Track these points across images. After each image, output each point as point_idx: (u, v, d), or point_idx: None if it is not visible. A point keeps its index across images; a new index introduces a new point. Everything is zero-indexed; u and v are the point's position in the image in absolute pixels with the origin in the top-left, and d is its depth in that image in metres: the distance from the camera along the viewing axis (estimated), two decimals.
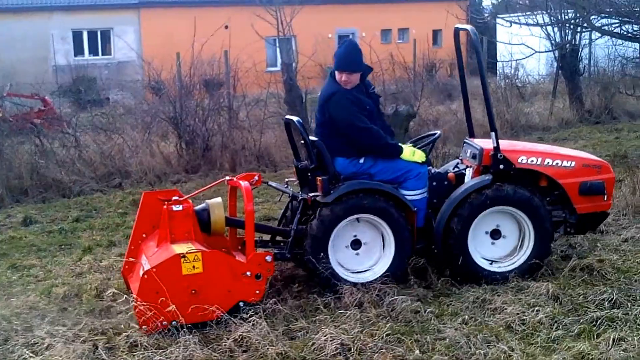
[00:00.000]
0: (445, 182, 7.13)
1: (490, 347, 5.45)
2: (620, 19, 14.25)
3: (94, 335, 5.84)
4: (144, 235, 6.85)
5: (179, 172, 13.59)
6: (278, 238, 7.22)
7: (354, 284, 6.56)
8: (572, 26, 18.30)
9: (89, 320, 6.18)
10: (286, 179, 7.54)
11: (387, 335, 5.65)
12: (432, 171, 7.18)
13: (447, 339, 5.61)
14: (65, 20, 32.99)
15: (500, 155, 6.94)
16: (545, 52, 19.92)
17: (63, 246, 9.14)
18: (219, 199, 6.90)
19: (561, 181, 7.07)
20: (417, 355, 5.37)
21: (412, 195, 6.85)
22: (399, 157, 6.86)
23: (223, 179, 7.21)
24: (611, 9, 14.01)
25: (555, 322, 5.84)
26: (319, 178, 6.65)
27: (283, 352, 5.44)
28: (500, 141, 7.01)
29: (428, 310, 6.15)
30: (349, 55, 6.85)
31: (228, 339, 5.64)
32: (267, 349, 5.47)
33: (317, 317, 6.09)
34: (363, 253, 6.87)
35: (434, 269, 7.03)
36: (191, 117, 14.33)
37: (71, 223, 10.33)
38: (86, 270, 7.84)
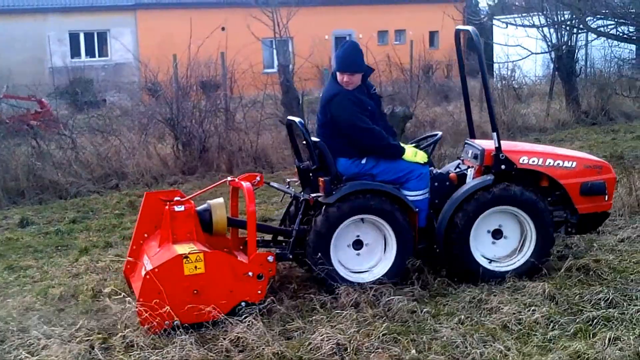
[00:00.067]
0: (447, 183, 7.13)
1: (487, 346, 5.45)
2: (616, 20, 14.27)
3: (90, 335, 5.83)
4: (145, 235, 6.87)
5: (176, 173, 13.58)
6: (280, 238, 7.23)
7: (352, 283, 6.58)
8: (568, 27, 18.32)
9: (85, 320, 6.18)
10: (288, 180, 7.56)
11: (383, 335, 5.66)
12: (434, 172, 7.18)
13: (444, 339, 5.62)
14: (61, 22, 32.98)
15: (502, 156, 6.95)
16: (542, 53, 19.97)
17: (59, 247, 9.14)
18: (220, 200, 6.91)
19: (562, 181, 7.09)
20: (413, 355, 5.37)
21: (414, 195, 6.85)
22: (401, 157, 6.87)
23: (225, 180, 7.21)
24: (607, 11, 14.04)
25: (552, 321, 5.85)
26: (321, 179, 6.67)
27: (279, 352, 5.44)
28: (501, 142, 7.03)
29: (424, 310, 6.16)
30: (350, 56, 6.85)
31: (224, 339, 5.64)
32: (264, 349, 5.47)
33: (314, 317, 6.10)
34: (364, 254, 6.88)
35: (431, 269, 7.04)
36: (188, 118, 14.32)
37: (68, 224, 10.33)
38: (82, 271, 7.84)
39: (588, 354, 5.22)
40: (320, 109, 7.00)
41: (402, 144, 6.98)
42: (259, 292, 6.22)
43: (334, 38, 36.23)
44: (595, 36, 17.92)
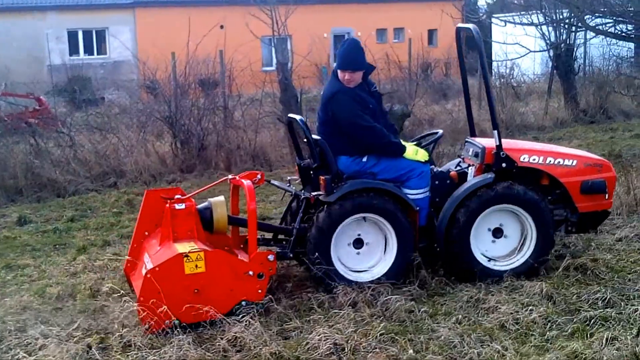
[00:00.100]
0: (448, 181, 7.13)
1: (484, 346, 5.45)
2: (614, 18, 14.28)
3: (87, 335, 5.83)
4: (146, 233, 6.88)
5: (174, 171, 13.57)
6: (280, 237, 7.23)
7: (351, 282, 6.58)
8: (566, 26, 18.34)
9: (82, 320, 6.16)
10: (288, 177, 7.58)
11: (380, 334, 5.66)
12: (435, 170, 7.18)
13: (441, 339, 5.61)
14: (60, 20, 32.97)
15: (503, 154, 6.95)
16: (540, 51, 19.98)
17: (57, 246, 9.13)
18: (221, 198, 6.91)
19: (563, 180, 7.10)
20: (410, 354, 5.37)
21: (415, 194, 6.85)
22: (402, 155, 6.86)
23: (226, 178, 7.21)
24: (605, 9, 14.05)
25: (549, 321, 5.85)
26: (322, 177, 6.66)
27: (277, 352, 5.44)
28: (502, 140, 7.03)
29: (422, 309, 6.16)
30: (352, 53, 6.85)
31: (222, 339, 5.64)
32: (261, 348, 5.46)
33: (311, 317, 6.09)
34: (364, 253, 6.88)
35: (429, 268, 7.03)
36: (186, 116, 14.32)
37: (66, 223, 10.32)
38: (80, 270, 7.82)
39: (585, 354, 5.22)
40: (321, 106, 6.99)
41: (403, 142, 6.97)
42: (260, 291, 6.21)
43: (332, 36, 36.23)
44: (593, 34, 17.95)
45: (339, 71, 6.83)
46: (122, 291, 6.54)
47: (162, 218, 6.62)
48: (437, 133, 7.43)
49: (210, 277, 5.99)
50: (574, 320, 5.87)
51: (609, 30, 15.18)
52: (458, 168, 7.40)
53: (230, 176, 7.14)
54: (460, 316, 6.03)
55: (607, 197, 7.25)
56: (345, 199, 6.58)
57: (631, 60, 22.80)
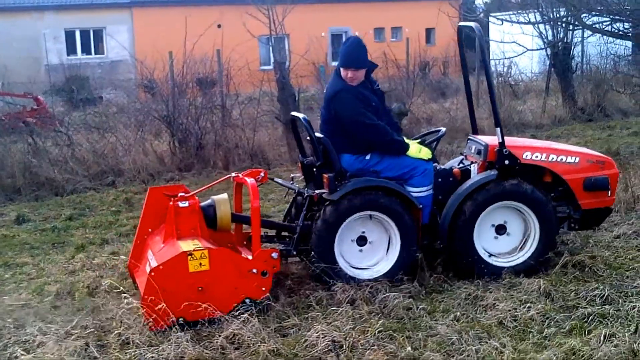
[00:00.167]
0: (451, 179, 7.13)
1: (482, 343, 5.45)
2: (611, 17, 14.29)
3: (85, 333, 5.82)
4: (149, 230, 6.89)
5: (172, 170, 13.57)
6: (281, 234, 7.23)
7: (351, 278, 6.60)
8: (563, 24, 18.35)
9: (81, 318, 6.16)
10: (291, 175, 7.59)
11: (379, 332, 5.66)
12: (438, 168, 7.19)
13: (439, 336, 5.62)
14: (57, 20, 32.94)
15: (506, 151, 6.95)
16: (538, 50, 19.97)
17: (56, 244, 9.13)
18: (224, 195, 6.92)
19: (565, 177, 7.11)
20: (408, 352, 5.37)
21: (418, 192, 6.85)
22: (405, 153, 6.86)
23: (229, 176, 7.22)
24: (602, 7, 14.06)
25: (547, 318, 5.86)
26: (325, 175, 6.66)
27: (275, 349, 5.44)
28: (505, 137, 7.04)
29: (420, 307, 6.16)
30: (354, 52, 6.84)
31: (220, 336, 5.63)
32: (259, 346, 5.47)
33: (309, 314, 6.10)
34: (366, 251, 6.88)
35: (427, 265, 7.03)
36: (184, 115, 14.31)
37: (64, 221, 10.32)
38: (79, 268, 7.82)
39: (583, 351, 5.22)
40: (324, 105, 6.99)
41: (406, 140, 6.97)
42: (263, 289, 6.21)
43: (330, 35, 36.22)
44: (591, 32, 17.96)
45: (341, 69, 6.83)
46: (121, 288, 6.54)
47: (165, 215, 6.64)
48: (440, 131, 7.42)
49: (214, 275, 5.99)
50: (572, 317, 5.87)
51: (605, 29, 15.19)
52: (461, 165, 7.39)
53: (233, 174, 7.14)
54: (458, 313, 6.03)
55: (609, 194, 7.26)
56: (355, 195, 6.58)
57: (628, 58, 22.82)
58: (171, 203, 6.55)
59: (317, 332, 5.60)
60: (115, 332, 5.76)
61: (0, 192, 11.96)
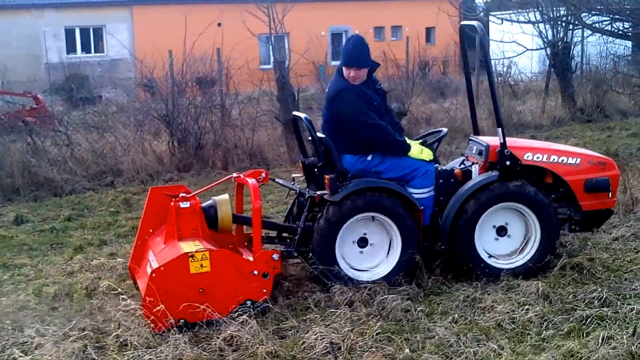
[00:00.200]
0: (452, 180, 7.12)
1: (480, 345, 5.46)
2: (610, 16, 14.29)
3: (83, 334, 5.82)
4: (150, 231, 6.89)
5: (172, 170, 13.55)
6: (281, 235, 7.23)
7: (350, 279, 6.59)
8: (563, 24, 18.34)
9: (79, 319, 6.16)
10: (293, 175, 7.57)
11: (377, 334, 5.66)
12: (439, 169, 7.18)
13: (437, 338, 5.62)
14: (57, 18, 32.87)
15: (507, 152, 6.95)
16: (537, 49, 19.96)
17: (54, 245, 9.13)
18: (226, 196, 6.90)
19: (566, 178, 7.11)
20: (407, 354, 5.37)
21: (420, 193, 6.83)
22: (407, 154, 6.84)
23: (230, 176, 7.21)
24: (602, 7, 14.06)
25: (545, 320, 5.86)
26: (326, 176, 6.62)
27: (273, 351, 5.45)
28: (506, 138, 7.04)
29: (418, 309, 6.16)
30: (357, 51, 6.81)
31: (218, 338, 5.63)
32: (257, 348, 5.47)
33: (308, 316, 6.10)
34: (367, 253, 6.87)
35: (425, 267, 7.03)
36: (183, 115, 14.30)
37: (63, 222, 10.31)
38: (77, 270, 7.82)
39: (581, 353, 5.23)
40: (326, 104, 6.97)
41: (408, 141, 6.95)
42: (265, 290, 6.21)
43: (330, 34, 36.20)
44: (590, 32, 17.95)
45: (344, 68, 6.80)
46: (119, 290, 6.54)
47: (166, 215, 6.64)
48: (441, 131, 7.39)
49: (215, 276, 5.99)
50: (570, 319, 5.88)
51: (605, 28, 15.19)
52: (462, 166, 7.37)
53: (234, 174, 7.14)
54: (456, 315, 6.03)
55: (610, 196, 7.26)
56: (356, 196, 6.57)
57: (628, 58, 22.81)
58: (172, 204, 6.54)
59: (315, 334, 5.60)
60: (114, 333, 5.75)
61: None
